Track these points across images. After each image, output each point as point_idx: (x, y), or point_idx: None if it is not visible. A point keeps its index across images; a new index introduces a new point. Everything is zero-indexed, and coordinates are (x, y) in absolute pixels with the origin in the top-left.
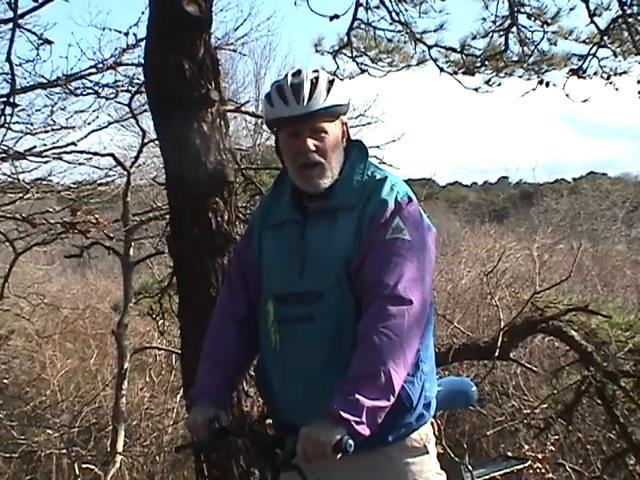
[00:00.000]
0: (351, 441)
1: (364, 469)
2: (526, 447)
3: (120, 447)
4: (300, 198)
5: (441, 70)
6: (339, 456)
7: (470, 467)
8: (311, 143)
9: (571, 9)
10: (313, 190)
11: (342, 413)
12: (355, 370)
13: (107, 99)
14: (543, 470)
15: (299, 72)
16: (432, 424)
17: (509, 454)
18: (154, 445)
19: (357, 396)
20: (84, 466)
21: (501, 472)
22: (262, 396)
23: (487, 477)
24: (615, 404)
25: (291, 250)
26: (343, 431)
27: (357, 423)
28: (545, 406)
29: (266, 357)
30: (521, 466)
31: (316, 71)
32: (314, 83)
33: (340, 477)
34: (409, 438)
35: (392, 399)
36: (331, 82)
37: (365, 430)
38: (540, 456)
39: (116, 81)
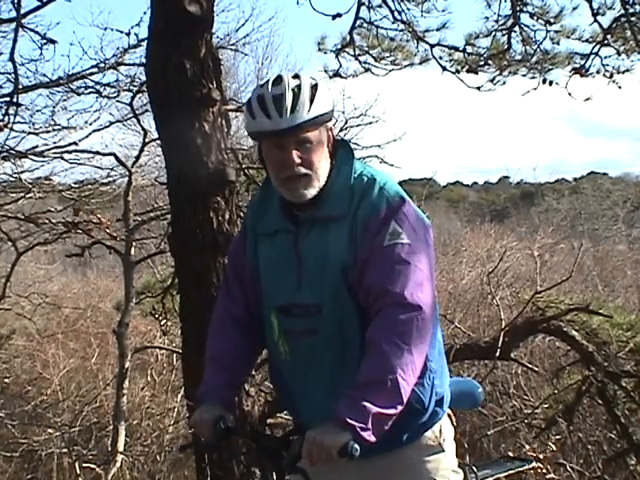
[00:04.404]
0: (357, 445)
1: (380, 471)
2: (527, 447)
3: (121, 446)
4: (290, 206)
5: (444, 69)
6: (344, 460)
7: (474, 468)
8: (296, 155)
9: (574, 8)
10: (298, 200)
11: (348, 419)
12: (363, 377)
13: (109, 98)
14: (544, 470)
15: (280, 79)
16: (449, 416)
17: (510, 454)
18: (155, 444)
19: (363, 402)
20: (85, 465)
21: (505, 473)
22: (283, 403)
23: (492, 478)
24: (616, 404)
25: (286, 260)
26: (348, 436)
27: (362, 429)
28: (546, 406)
29: (281, 366)
30: (525, 467)
31: (297, 76)
32: (296, 93)
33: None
34: (423, 437)
35: (400, 407)
36: (314, 88)
37: (370, 436)
38: (541, 456)
39: (118, 80)
